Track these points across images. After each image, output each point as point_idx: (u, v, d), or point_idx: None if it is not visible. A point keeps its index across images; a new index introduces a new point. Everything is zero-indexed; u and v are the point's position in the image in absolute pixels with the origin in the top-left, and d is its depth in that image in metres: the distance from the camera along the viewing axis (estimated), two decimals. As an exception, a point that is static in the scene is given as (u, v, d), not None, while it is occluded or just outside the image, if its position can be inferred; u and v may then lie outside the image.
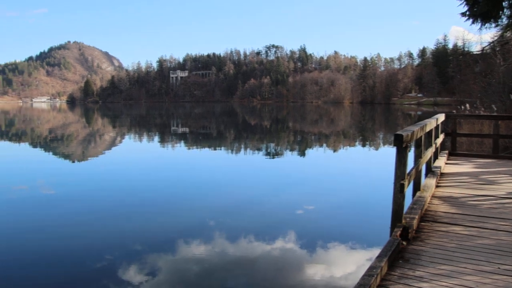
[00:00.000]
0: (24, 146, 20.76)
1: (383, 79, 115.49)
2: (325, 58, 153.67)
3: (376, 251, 3.99)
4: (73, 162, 15.05)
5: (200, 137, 24.56)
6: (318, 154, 16.68)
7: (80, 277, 4.96)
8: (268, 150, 17.71)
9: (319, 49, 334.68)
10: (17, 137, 25.90)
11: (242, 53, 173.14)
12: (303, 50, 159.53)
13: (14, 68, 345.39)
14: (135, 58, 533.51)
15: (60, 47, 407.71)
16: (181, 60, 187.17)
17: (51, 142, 22.47)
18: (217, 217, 7.54)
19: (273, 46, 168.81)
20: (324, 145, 19.97)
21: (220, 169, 12.84)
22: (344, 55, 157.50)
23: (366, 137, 24.81)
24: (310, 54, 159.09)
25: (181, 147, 19.43)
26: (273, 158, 15.51)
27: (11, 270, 5.16)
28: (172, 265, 5.31)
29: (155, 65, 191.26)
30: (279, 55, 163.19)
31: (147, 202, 8.57)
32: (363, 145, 20.26)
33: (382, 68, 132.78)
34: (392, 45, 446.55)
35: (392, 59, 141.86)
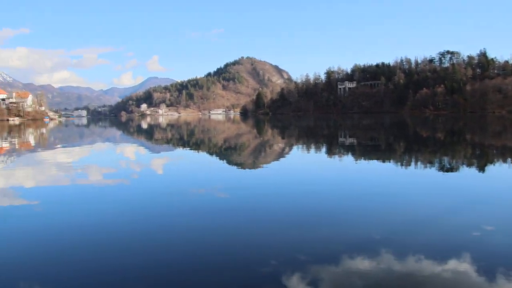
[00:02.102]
0: (203, 155, 22.49)
1: None
2: (510, 62, 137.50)
3: None
4: (245, 169, 15.70)
5: (368, 148, 23.82)
6: (501, 169, 14.75)
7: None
8: (442, 164, 16.26)
9: (502, 53, 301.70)
10: (197, 146, 28.30)
11: (413, 61, 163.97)
12: (483, 55, 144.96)
13: (195, 83, 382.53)
14: (303, 70, 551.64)
15: (234, 63, 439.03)
16: (349, 71, 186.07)
17: (226, 151, 23.98)
18: (386, 231, 7.02)
19: (447, 52, 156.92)
20: (510, 160, 17.64)
21: (388, 183, 12.11)
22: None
23: None
24: (492, 59, 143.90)
25: (348, 158, 19.01)
26: (447, 173, 14.15)
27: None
28: (334, 276, 5.04)
29: (323, 76, 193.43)
30: (454, 61, 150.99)
31: (316, 211, 8.37)
32: None
33: None
34: None
35: None
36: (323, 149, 23.84)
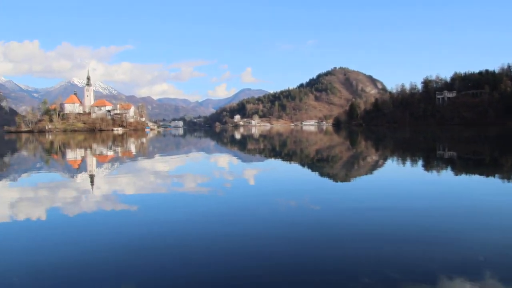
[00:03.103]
0: (295, 166, 22.41)
1: None
2: None
3: None
4: (337, 181, 15.36)
5: (469, 162, 22.31)
6: None
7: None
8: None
9: None
10: (289, 156, 28.33)
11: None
12: None
13: (287, 94, 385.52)
14: (398, 80, 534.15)
15: (327, 73, 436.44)
16: (448, 79, 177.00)
17: (318, 162, 23.69)
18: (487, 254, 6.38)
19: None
20: None
21: (495, 200, 11.13)
22: None
23: None
24: None
25: (447, 172, 17.90)
26: None
27: None
28: None
29: (419, 86, 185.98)
30: None
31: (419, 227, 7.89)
32: None
33: None
34: None
35: None
36: (419, 162, 22.70)
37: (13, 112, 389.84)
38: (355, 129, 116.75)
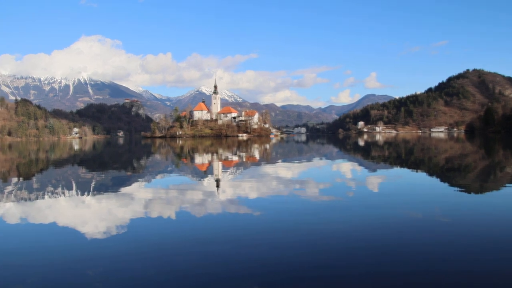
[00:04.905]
0: (422, 175, 21.10)
1: None
2: None
3: None
4: (471, 193, 14.13)
5: None
6: None
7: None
8: None
9: None
10: (415, 165, 26.79)
11: None
12: None
13: (414, 100, 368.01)
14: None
15: (458, 76, 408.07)
16: None
17: (448, 172, 22.12)
18: None
19: None
20: None
21: None
22: None
23: None
24: None
25: None
26: None
27: None
28: None
29: None
30: None
31: None
32: None
33: None
34: None
35: None
36: None
37: (149, 119, 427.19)
38: (492, 137, 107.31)
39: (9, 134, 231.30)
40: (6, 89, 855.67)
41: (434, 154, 39.18)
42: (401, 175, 20.97)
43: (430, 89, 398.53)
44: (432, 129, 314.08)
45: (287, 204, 12.30)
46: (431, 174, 21.05)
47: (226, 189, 15.73)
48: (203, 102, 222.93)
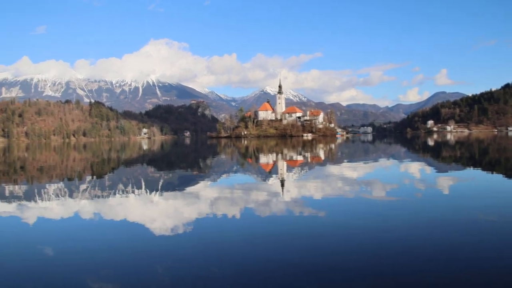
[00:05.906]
0: (497, 177, 19.92)
1: None
2: None
3: None
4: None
5: None
6: None
7: None
8: None
9: None
10: (490, 166, 25.31)
11: None
12: None
13: (489, 97, 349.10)
14: None
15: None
16: None
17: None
18: None
19: None
20: None
21: None
22: None
23: None
24: None
25: None
26: None
27: None
28: None
29: None
30: None
31: None
32: None
33: None
34: None
35: None
36: None
37: (214, 120, 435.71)
38: None
39: (84, 134, 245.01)
40: (82, 92, 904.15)
41: (511, 155, 36.92)
42: (472, 176, 19.94)
43: (507, 85, 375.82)
44: (510, 128, 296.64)
45: (352, 205, 12.04)
46: (509, 176, 19.81)
47: (290, 189, 15.68)
48: (268, 102, 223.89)
